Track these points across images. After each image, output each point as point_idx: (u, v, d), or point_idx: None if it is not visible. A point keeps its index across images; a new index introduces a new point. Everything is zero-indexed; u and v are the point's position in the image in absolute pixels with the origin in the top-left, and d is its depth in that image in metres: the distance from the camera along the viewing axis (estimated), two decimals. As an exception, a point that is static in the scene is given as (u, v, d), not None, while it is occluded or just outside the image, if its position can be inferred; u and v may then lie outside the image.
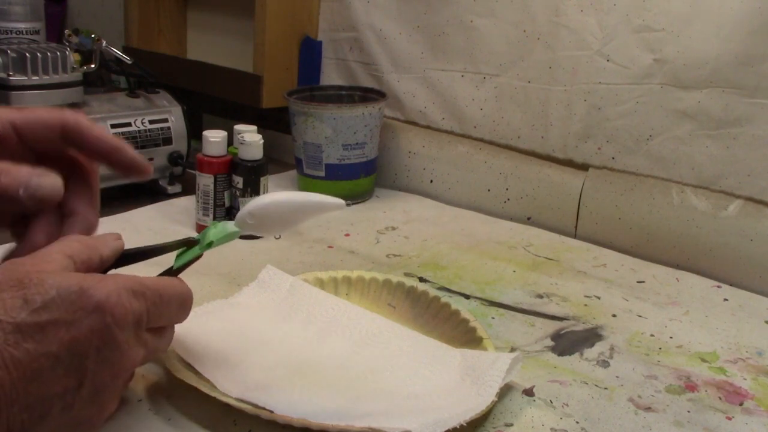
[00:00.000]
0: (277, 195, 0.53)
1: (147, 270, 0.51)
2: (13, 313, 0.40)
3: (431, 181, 1.04)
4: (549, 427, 0.54)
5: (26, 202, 0.46)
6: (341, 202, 0.53)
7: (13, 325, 0.40)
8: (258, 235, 0.54)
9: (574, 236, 0.92)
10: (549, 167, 0.95)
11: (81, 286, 0.42)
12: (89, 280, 0.43)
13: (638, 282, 0.80)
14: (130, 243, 0.52)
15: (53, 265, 0.44)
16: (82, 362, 0.42)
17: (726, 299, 0.77)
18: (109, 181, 0.94)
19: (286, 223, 0.53)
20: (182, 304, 0.49)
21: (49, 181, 0.47)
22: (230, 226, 0.53)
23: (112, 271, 0.50)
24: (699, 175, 0.84)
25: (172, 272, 0.52)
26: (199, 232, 0.86)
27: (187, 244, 0.53)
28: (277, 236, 0.57)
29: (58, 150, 0.52)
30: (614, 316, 0.72)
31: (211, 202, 0.85)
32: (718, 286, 0.80)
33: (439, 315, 0.66)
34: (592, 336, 0.68)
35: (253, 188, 0.85)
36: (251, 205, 0.52)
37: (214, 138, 0.85)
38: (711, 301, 0.76)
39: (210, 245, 0.52)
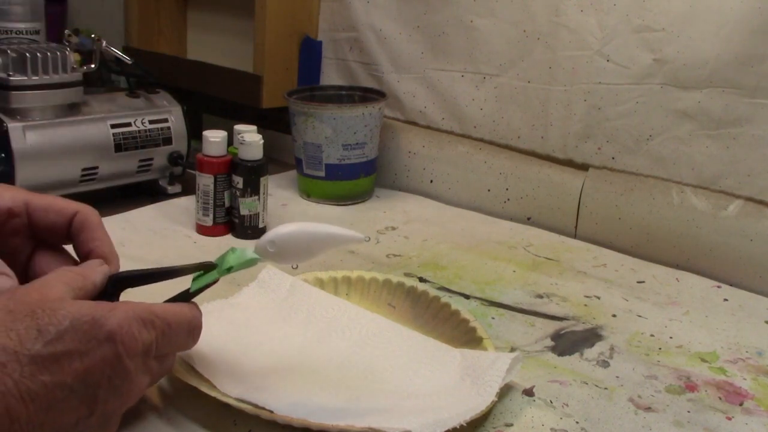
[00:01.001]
0: (300, 225, 0.52)
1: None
2: (29, 344, 0.40)
3: (431, 181, 1.04)
4: (549, 427, 0.54)
5: None
6: (362, 236, 0.53)
7: (29, 356, 0.40)
8: (276, 263, 0.53)
9: (574, 236, 0.92)
10: (549, 167, 0.95)
11: (93, 316, 0.42)
12: (100, 309, 0.43)
13: (638, 282, 0.80)
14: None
15: (57, 292, 0.44)
16: (95, 392, 0.42)
17: (726, 299, 0.77)
18: (109, 181, 0.95)
19: (305, 253, 0.52)
20: (191, 333, 0.50)
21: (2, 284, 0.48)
22: (249, 252, 0.52)
23: (126, 293, 0.51)
24: (699, 175, 0.84)
25: (187, 295, 0.52)
26: (198, 232, 0.86)
27: (205, 267, 0.53)
28: (294, 266, 0.56)
29: (60, 238, 0.54)
30: (614, 316, 0.72)
31: (211, 202, 0.85)
32: (718, 286, 0.80)
33: (439, 315, 0.66)
34: (592, 336, 0.68)
35: (253, 188, 0.84)
36: (273, 232, 0.52)
37: (214, 138, 0.85)
38: (711, 301, 0.76)
39: (229, 270, 0.52)
